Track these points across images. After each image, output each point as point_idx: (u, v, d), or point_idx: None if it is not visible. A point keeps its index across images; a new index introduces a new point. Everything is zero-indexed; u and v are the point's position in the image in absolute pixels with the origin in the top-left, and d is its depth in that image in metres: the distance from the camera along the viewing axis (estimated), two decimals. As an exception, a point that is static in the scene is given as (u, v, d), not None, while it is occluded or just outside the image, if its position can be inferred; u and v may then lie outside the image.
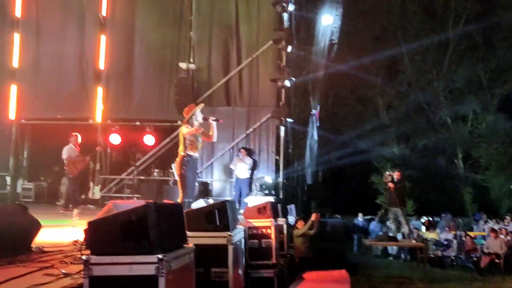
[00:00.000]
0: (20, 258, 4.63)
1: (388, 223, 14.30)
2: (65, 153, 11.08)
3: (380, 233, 14.44)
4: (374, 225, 18.55)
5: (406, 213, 14.43)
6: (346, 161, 23.91)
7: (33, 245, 5.27)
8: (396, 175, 12.87)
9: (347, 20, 18.54)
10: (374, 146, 25.36)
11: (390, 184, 12.67)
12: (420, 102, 25.30)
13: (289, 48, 13.62)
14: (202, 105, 7.53)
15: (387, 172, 13.77)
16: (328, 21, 15.69)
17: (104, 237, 3.15)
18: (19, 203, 6.22)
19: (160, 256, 3.03)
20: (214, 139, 7.50)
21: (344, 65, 21.52)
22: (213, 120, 7.26)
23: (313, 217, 10.68)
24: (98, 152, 13.14)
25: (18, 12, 15.03)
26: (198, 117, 7.10)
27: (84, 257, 3.10)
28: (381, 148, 25.54)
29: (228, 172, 13.72)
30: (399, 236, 12.72)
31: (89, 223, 3.22)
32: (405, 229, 12.84)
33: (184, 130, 7.01)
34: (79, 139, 11.33)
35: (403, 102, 25.51)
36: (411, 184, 21.27)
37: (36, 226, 5.45)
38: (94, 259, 3.08)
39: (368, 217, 20.49)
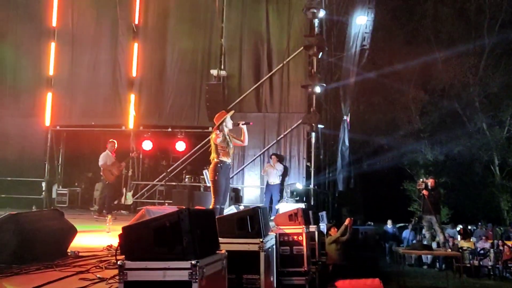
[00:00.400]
0: (57, 262, 4.72)
1: (423, 231, 14.00)
2: (102, 160, 11.29)
3: (414, 241, 14.14)
4: (406, 233, 18.19)
5: (441, 221, 14.09)
6: (378, 167, 23.56)
7: (69, 250, 5.37)
8: (430, 182, 12.55)
9: (379, 25, 18.35)
10: (407, 153, 24.93)
11: (424, 192, 12.36)
12: (455, 108, 24.77)
13: (320, 54, 13.55)
14: (232, 112, 7.54)
15: (421, 179, 13.47)
16: (361, 21, 15.52)
17: (138, 242, 3.16)
18: (56, 209, 6.35)
19: (193, 261, 3.02)
20: (245, 142, 7.50)
21: (376, 70, 21.27)
22: (243, 124, 7.28)
23: (347, 221, 10.58)
24: (131, 158, 13.34)
25: (54, 21, 15.48)
26: (228, 123, 7.13)
27: (119, 262, 3.10)
28: (414, 154, 25.08)
29: (259, 178, 13.70)
30: (434, 245, 12.42)
31: (124, 228, 3.23)
32: (440, 237, 12.52)
33: (214, 136, 7.07)
34: (116, 146, 11.54)
35: (437, 107, 25.02)
36: (445, 191, 20.79)
37: (72, 231, 5.56)
38: (129, 264, 3.08)
39: (400, 224, 20.10)
